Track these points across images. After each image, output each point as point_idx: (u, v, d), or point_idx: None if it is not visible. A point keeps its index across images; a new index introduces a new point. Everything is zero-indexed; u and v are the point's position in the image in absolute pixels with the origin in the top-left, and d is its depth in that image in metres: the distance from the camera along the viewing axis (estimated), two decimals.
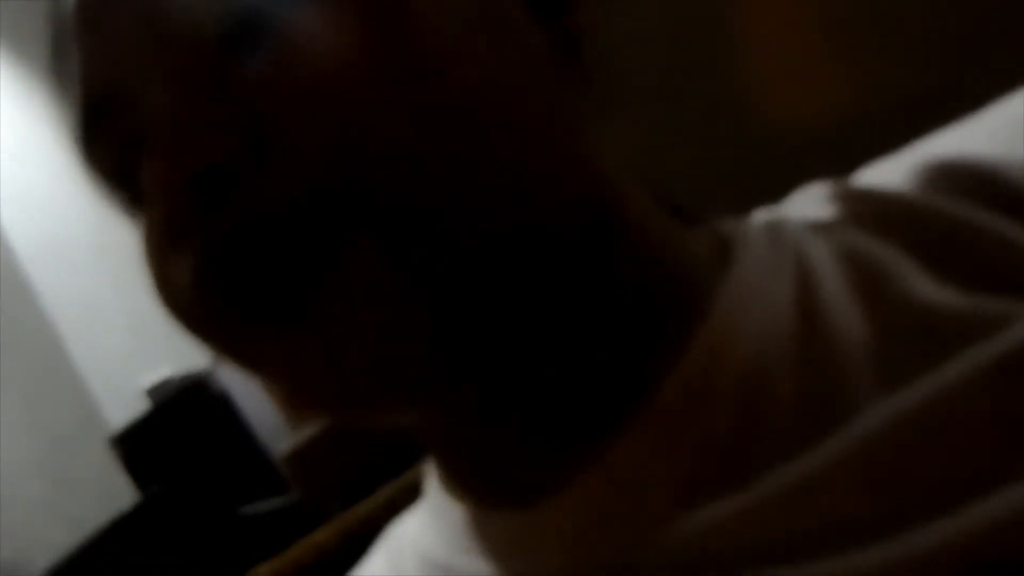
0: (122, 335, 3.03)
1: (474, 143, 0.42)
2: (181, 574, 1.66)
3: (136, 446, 2.29)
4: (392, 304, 0.41)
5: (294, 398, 0.47)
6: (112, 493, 2.39)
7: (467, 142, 0.41)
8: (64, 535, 2.14)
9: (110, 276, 2.94)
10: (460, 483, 0.52)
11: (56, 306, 3.21)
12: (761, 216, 0.52)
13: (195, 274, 0.43)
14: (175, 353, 2.41)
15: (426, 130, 0.41)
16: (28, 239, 3.27)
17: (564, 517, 0.47)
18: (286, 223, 0.41)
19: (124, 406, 2.76)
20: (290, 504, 1.67)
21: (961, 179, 0.47)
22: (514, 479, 0.49)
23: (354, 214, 0.41)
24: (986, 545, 0.38)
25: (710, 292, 0.47)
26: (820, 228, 0.49)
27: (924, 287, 0.44)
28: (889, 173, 0.50)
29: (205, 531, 1.79)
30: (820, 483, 0.42)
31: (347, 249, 0.41)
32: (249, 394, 2.15)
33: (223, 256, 0.42)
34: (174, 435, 2.24)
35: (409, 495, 0.59)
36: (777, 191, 0.56)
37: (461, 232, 0.41)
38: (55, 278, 3.22)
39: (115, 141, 0.47)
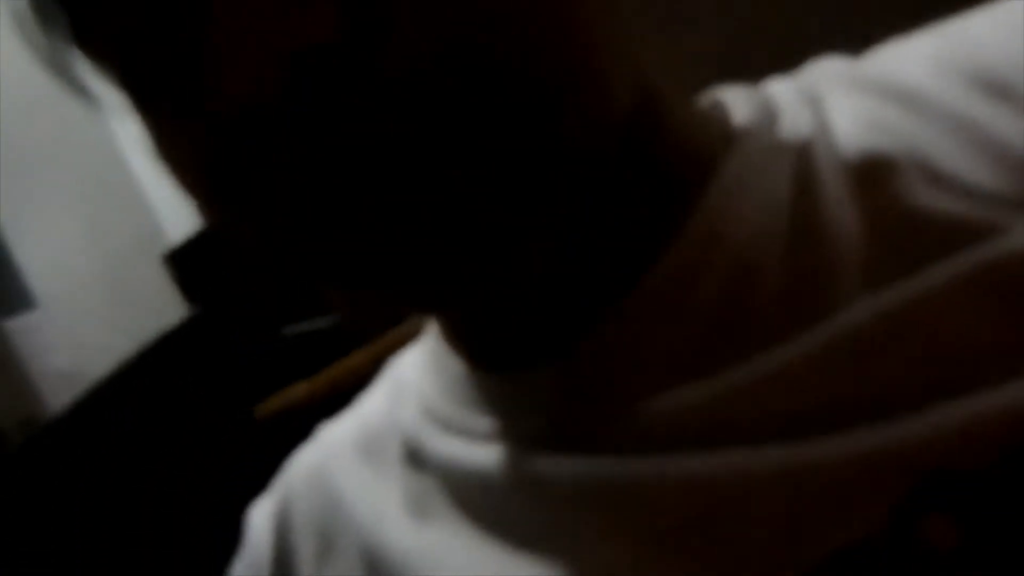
0: None
1: (568, 36, 0.41)
2: (225, 389, 1.71)
3: (189, 263, 2.33)
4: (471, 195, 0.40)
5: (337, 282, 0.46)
6: (166, 309, 2.45)
7: (562, 36, 0.40)
8: (118, 346, 2.21)
9: None
10: (461, 343, 0.54)
11: (125, 128, 3.23)
12: (771, 88, 0.52)
13: (287, 176, 0.40)
14: None
15: (540, 23, 0.40)
16: None
17: (551, 383, 0.49)
18: (396, 120, 0.38)
19: (183, 226, 2.80)
20: (331, 327, 1.71)
21: (977, 72, 0.46)
22: (511, 345, 0.51)
23: (466, 108, 0.38)
24: (934, 453, 0.39)
25: (712, 172, 0.48)
26: (821, 105, 0.49)
27: (919, 191, 0.44)
28: (905, 56, 0.49)
29: (249, 348, 1.84)
30: (792, 373, 0.43)
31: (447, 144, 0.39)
32: None
33: (325, 153, 0.39)
34: (226, 255, 2.28)
35: None
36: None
37: (554, 125, 0.40)
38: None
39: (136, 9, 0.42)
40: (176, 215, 2.94)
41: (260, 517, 0.63)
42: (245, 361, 1.78)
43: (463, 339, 0.54)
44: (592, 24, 0.42)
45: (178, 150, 0.43)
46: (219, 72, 0.38)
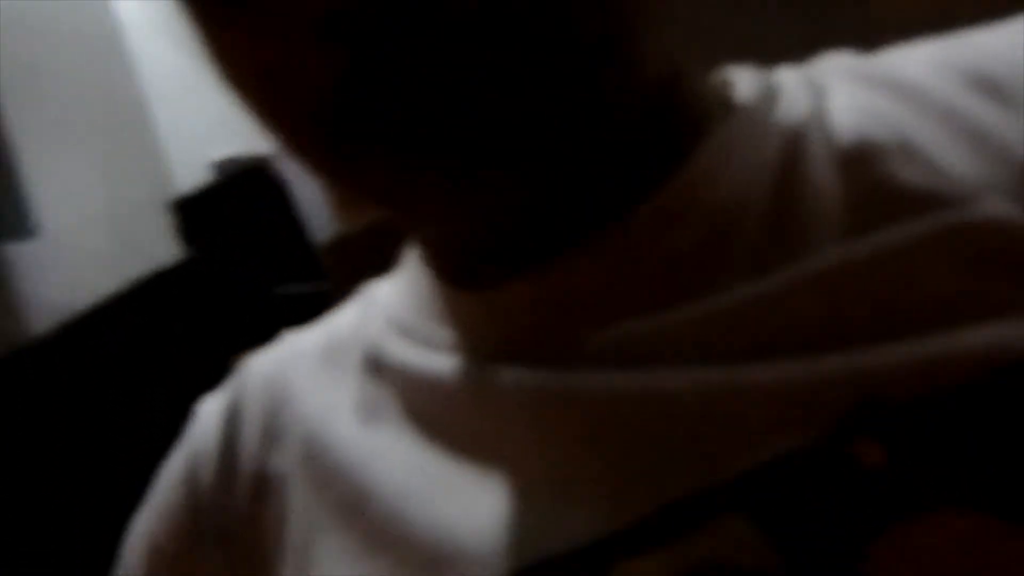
0: (203, 112, 3.07)
1: None
2: (208, 335, 1.72)
3: (193, 214, 2.35)
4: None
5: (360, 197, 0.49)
6: (166, 257, 2.45)
7: None
8: (112, 286, 2.20)
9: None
10: (439, 261, 0.55)
11: (149, 75, 3.25)
12: (778, 74, 0.54)
13: (343, 77, 0.43)
14: (249, 133, 2.44)
15: None
16: (136, 13, 3.30)
17: (519, 301, 0.50)
18: (458, 42, 0.41)
19: (193, 178, 2.81)
20: (321, 291, 1.72)
21: (974, 72, 0.48)
22: (485, 264, 0.52)
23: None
24: (870, 384, 0.41)
25: (708, 130, 0.50)
26: (822, 90, 0.52)
27: (900, 167, 0.46)
28: (909, 56, 0.52)
29: (237, 300, 1.85)
30: (751, 305, 0.45)
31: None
32: (306, 184, 2.19)
33: (380, 64, 0.42)
34: (230, 209, 2.29)
35: None
36: None
37: (603, 63, 0.43)
38: (153, 49, 3.25)
39: None
40: (188, 167, 2.96)
41: (209, 410, 0.64)
42: (232, 312, 1.79)
43: (440, 257, 0.55)
44: None
45: (241, 39, 0.45)
46: None
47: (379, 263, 0.63)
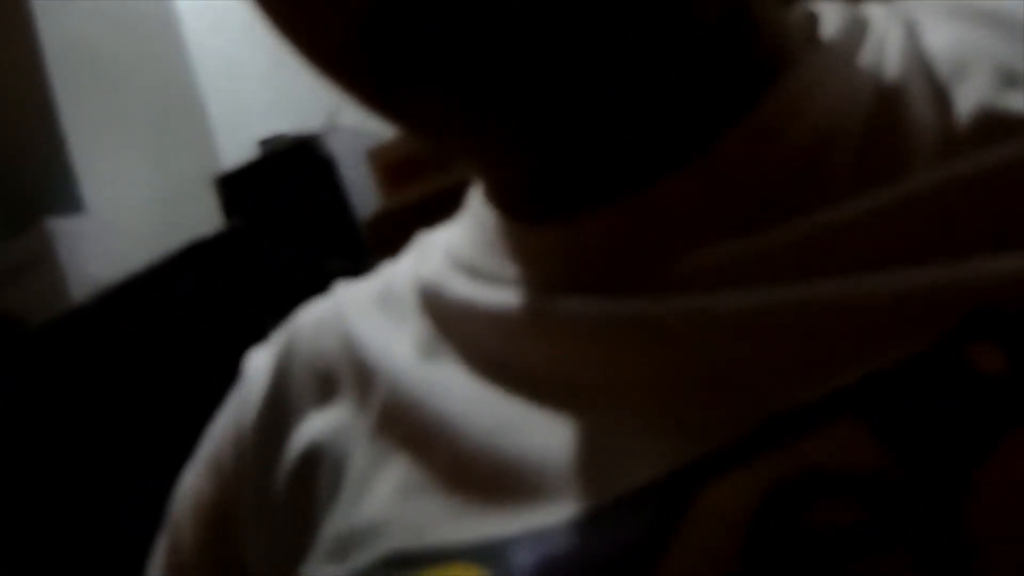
0: (252, 91, 3.08)
1: None
2: (247, 306, 1.72)
3: (238, 189, 2.35)
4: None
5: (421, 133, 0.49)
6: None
7: None
8: None
9: (253, 34, 2.97)
10: (505, 196, 0.54)
11: (198, 55, 3.27)
12: (866, 8, 0.53)
13: (366, 5, 0.42)
14: (295, 112, 2.46)
15: None
16: None
17: (598, 232, 0.49)
18: None
19: (242, 159, 2.83)
20: (364, 267, 1.71)
21: None
22: (562, 197, 0.50)
23: None
24: (984, 293, 0.40)
25: (795, 60, 0.49)
26: (913, 23, 0.50)
27: (1000, 94, 0.45)
28: None
29: (278, 272, 1.85)
30: (850, 225, 0.43)
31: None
32: (352, 161, 2.19)
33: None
34: (275, 185, 2.29)
35: None
36: None
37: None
38: (202, 29, 3.27)
39: None
40: (236, 146, 2.96)
41: (258, 360, 0.63)
42: (274, 283, 1.79)
43: (506, 192, 0.54)
44: None
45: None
46: None
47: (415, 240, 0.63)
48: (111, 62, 2.96)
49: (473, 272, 0.53)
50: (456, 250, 0.56)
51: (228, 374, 0.66)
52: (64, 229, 2.61)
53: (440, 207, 0.64)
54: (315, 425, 0.57)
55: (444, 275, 0.55)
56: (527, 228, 0.52)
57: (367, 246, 1.78)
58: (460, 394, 0.50)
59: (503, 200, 0.54)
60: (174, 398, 1.71)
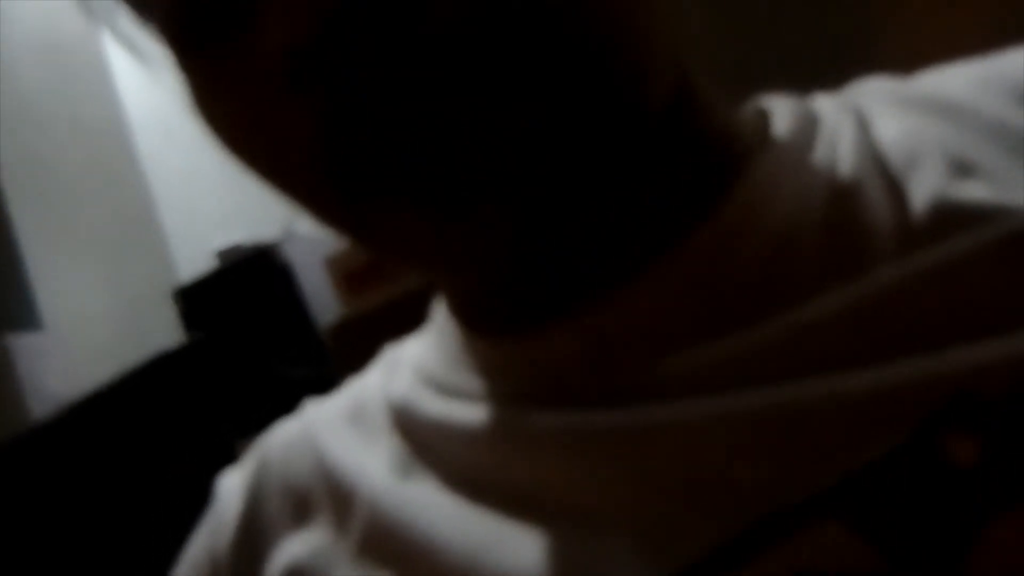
0: (207, 202, 3.09)
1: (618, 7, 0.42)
2: (211, 418, 1.71)
3: (197, 301, 2.35)
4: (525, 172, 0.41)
5: (383, 252, 0.48)
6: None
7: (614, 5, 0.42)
8: None
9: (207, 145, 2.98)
10: (470, 309, 0.54)
11: (153, 168, 3.28)
12: (815, 101, 0.54)
13: (321, 125, 0.42)
14: (252, 221, 2.47)
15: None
16: (140, 107, 3.35)
17: (569, 341, 0.48)
18: (439, 70, 0.40)
19: (199, 270, 2.83)
20: (325, 374, 1.71)
21: (1020, 88, 0.48)
22: (528, 307, 0.50)
23: (512, 69, 0.40)
24: (956, 383, 0.40)
25: (749, 161, 0.49)
26: (863, 116, 0.51)
27: (954, 183, 0.45)
28: (950, 75, 0.51)
29: (240, 383, 1.84)
30: (817, 324, 0.43)
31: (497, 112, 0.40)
32: (310, 269, 2.19)
33: (357, 107, 0.41)
34: (234, 296, 2.29)
35: None
36: None
37: (603, 75, 0.42)
38: (157, 141, 3.29)
39: None
40: (193, 258, 2.97)
41: (230, 483, 0.62)
42: (234, 396, 1.78)
43: (466, 306, 0.54)
44: None
45: (224, 97, 0.44)
46: (268, 12, 0.40)
47: (382, 347, 0.62)
48: (64, 176, 2.97)
49: (442, 389, 0.53)
50: (424, 366, 0.55)
51: (194, 491, 0.64)
52: (22, 345, 2.59)
53: (402, 313, 0.63)
54: (293, 548, 0.56)
55: (414, 393, 0.54)
56: (492, 342, 0.51)
57: (329, 354, 1.77)
58: (439, 513, 0.50)
59: (465, 313, 0.54)
60: (138, 516, 1.69)
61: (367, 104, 0.41)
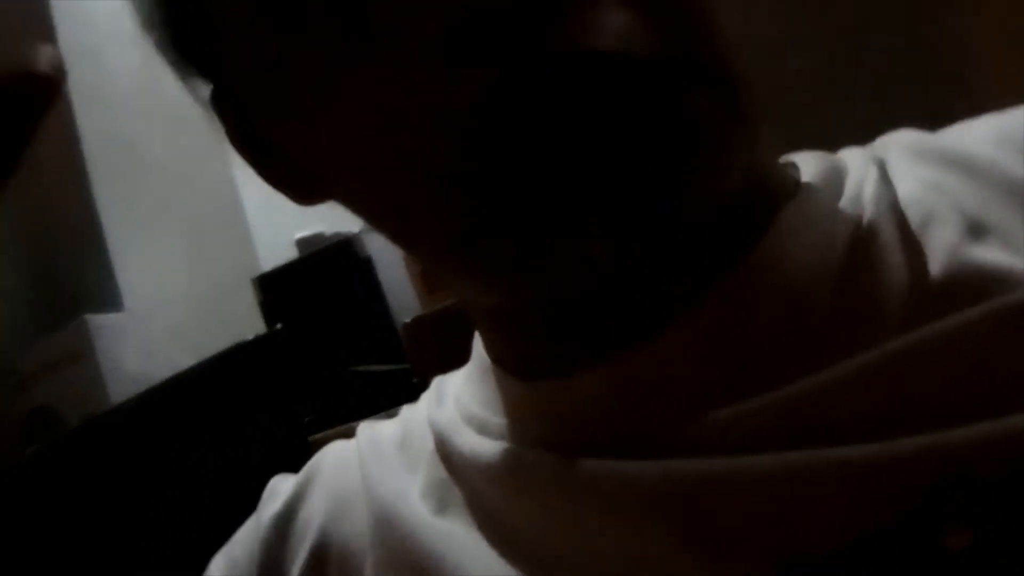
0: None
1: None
2: (286, 410, 1.72)
3: (276, 290, 2.36)
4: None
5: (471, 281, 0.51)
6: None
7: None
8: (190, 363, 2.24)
9: None
10: (508, 353, 0.56)
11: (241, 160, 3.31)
12: (842, 153, 0.55)
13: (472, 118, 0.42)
14: (334, 211, 2.47)
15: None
16: None
17: (593, 391, 0.50)
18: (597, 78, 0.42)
19: (280, 259, 2.85)
20: (401, 370, 1.71)
21: None
22: (558, 354, 0.52)
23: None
24: (954, 461, 0.41)
25: (777, 210, 0.50)
26: (886, 169, 0.52)
27: (968, 245, 0.46)
28: (970, 130, 0.53)
29: (317, 376, 1.85)
30: (830, 391, 0.44)
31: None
32: (390, 263, 2.20)
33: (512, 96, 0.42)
34: (314, 285, 2.31)
35: None
36: None
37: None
38: None
39: None
40: (275, 246, 2.99)
41: (278, 485, 0.66)
42: (311, 388, 1.79)
43: (503, 344, 0.56)
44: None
45: (368, 84, 0.45)
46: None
47: (455, 346, 0.64)
48: (150, 160, 3.00)
49: (475, 424, 0.55)
50: (463, 400, 0.58)
51: (266, 482, 0.67)
52: (103, 325, 2.62)
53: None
54: (327, 537, 0.60)
55: (453, 425, 0.57)
56: (521, 384, 0.54)
57: (403, 351, 1.78)
58: (467, 554, 0.51)
59: (499, 353, 0.56)
60: (209, 504, 1.71)
61: (520, 92, 0.41)
